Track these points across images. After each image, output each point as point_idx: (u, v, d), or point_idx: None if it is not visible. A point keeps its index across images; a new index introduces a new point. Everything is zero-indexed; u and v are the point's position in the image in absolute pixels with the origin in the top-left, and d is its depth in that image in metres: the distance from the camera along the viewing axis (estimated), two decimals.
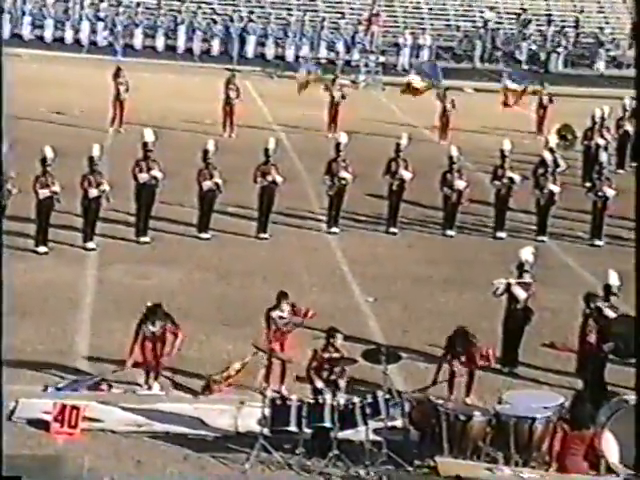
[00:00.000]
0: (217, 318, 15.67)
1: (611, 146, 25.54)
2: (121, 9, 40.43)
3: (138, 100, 27.91)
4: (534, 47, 41.73)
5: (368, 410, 11.76)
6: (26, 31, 39.64)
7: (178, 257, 18.22)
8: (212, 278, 17.52)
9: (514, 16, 43.47)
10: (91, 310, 15.82)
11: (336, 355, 12.40)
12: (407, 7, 43.31)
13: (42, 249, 18.13)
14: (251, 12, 41.48)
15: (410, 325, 15.83)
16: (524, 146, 25.53)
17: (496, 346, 14.21)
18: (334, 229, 20.33)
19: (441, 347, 13.72)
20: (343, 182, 20.28)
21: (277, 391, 13.05)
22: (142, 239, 19.04)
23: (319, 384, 12.27)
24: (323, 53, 40.18)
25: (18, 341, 13.75)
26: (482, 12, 43.07)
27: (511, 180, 20.64)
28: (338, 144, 20.72)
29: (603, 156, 21.97)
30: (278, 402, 11.84)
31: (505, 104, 31.69)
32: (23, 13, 39.86)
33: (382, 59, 39.16)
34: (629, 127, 26.58)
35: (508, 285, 14.43)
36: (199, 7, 41.24)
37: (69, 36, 39.98)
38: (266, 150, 20.01)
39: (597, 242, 20.39)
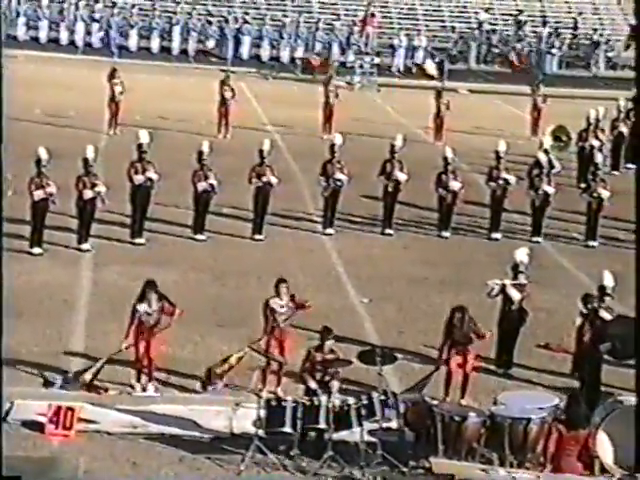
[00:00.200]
0: (212, 319, 15.67)
1: (606, 147, 25.58)
2: (116, 10, 40.42)
3: (133, 101, 27.91)
4: (529, 48, 41.77)
5: (363, 411, 11.76)
6: (21, 32, 39.62)
7: (173, 258, 18.22)
8: (207, 279, 17.52)
9: (509, 17, 43.52)
10: (86, 311, 15.82)
11: (330, 356, 12.40)
12: (402, 8, 43.34)
13: (37, 250, 18.12)
14: (246, 13, 41.49)
15: (405, 326, 15.84)
16: (519, 147, 25.56)
17: (490, 347, 14.25)
18: (329, 230, 20.34)
19: (437, 348, 13.75)
20: (338, 183, 20.30)
21: (273, 392, 13.05)
22: (137, 240, 19.04)
23: (312, 384, 12.27)
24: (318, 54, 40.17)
25: (13, 342, 13.73)
26: (477, 13, 43.12)
27: (506, 181, 20.67)
28: (333, 145, 20.74)
29: (598, 157, 22.01)
30: (273, 403, 11.84)
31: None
32: (18, 14, 39.84)
33: (377, 60, 39.18)
34: (624, 129, 26.63)
35: (503, 286, 14.44)
36: (194, 8, 41.24)
37: (64, 37, 39.97)
38: (261, 151, 20.02)
39: (592, 243, 20.43)
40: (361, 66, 38.59)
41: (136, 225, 19.15)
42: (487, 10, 43.18)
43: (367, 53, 39.64)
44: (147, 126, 22.48)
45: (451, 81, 36.26)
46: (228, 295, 16.81)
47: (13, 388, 12.45)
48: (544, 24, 42.81)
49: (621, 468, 11.54)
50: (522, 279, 14.57)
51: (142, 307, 13.10)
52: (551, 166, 21.51)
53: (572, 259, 19.53)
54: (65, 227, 18.92)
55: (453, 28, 42.69)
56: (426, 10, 43.64)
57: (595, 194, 20.42)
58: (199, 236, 19.50)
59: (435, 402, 12.20)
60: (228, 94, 27.93)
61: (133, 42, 40.06)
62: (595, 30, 42.79)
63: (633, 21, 43.32)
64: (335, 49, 40.27)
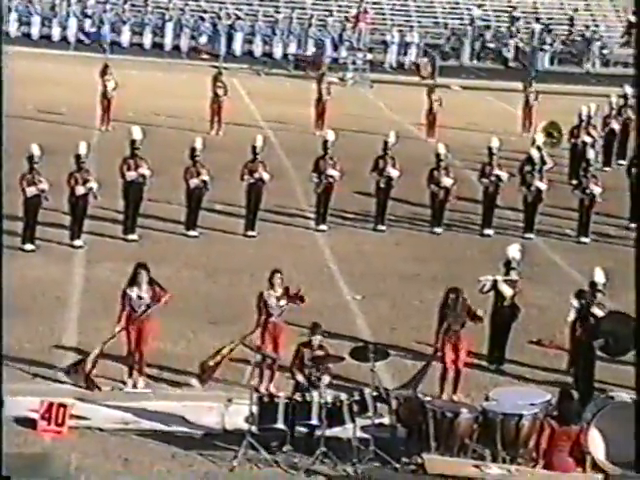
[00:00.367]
0: (205, 316, 15.67)
1: (598, 144, 25.62)
2: (108, 6, 40.36)
3: (125, 97, 27.87)
4: (521, 45, 41.80)
5: (356, 407, 11.78)
6: (12, 28, 39.52)
7: (166, 255, 18.20)
8: (200, 276, 17.51)
9: (501, 13, 43.54)
10: (79, 308, 15.81)
11: (319, 352, 12.40)
12: (394, 4, 43.34)
13: (29, 247, 18.10)
14: (238, 9, 41.45)
15: (398, 322, 15.85)
16: (511, 144, 25.58)
17: (482, 343, 14.27)
18: (322, 226, 20.34)
19: (429, 344, 13.78)
20: (331, 180, 20.30)
21: (265, 389, 13.06)
22: (130, 237, 19.02)
23: (300, 378, 12.27)
24: (310, 51, 40.16)
25: (5, 339, 13.70)
26: (469, 9, 43.14)
27: (498, 178, 20.69)
28: (325, 141, 20.74)
29: (590, 154, 22.05)
30: (265, 400, 11.85)
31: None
32: (9, 10, 39.74)
33: (370, 56, 39.21)
34: (615, 125, 26.67)
35: (495, 282, 14.46)
36: (186, 4, 41.20)
37: (56, 33, 39.90)
38: (254, 147, 20.01)
39: (584, 239, 20.46)
40: (354, 62, 38.59)
41: (129, 221, 19.14)
42: (479, 6, 43.20)
43: (360, 49, 39.65)
44: (139, 122, 22.46)
45: (443, 77, 36.28)
46: (221, 292, 16.81)
47: (5, 385, 12.43)
48: (537, 20, 42.85)
49: (613, 464, 11.57)
50: (514, 275, 14.60)
51: (133, 291, 13.10)
52: (543, 162, 21.53)
53: (564, 255, 19.56)
54: (57, 223, 18.89)
55: (445, 24, 42.72)
56: (418, 6, 43.65)
57: (587, 190, 20.45)
58: (191, 232, 19.49)
59: (427, 398, 12.21)
60: (221, 90, 27.90)
61: (125, 38, 40.01)
62: (587, 27, 42.82)
63: (625, 17, 43.42)
64: (328, 45, 40.26)
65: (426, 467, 11.45)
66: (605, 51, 41.71)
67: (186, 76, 35.26)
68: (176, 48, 40.20)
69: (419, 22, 42.90)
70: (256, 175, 19.76)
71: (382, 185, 20.54)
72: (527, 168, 21.07)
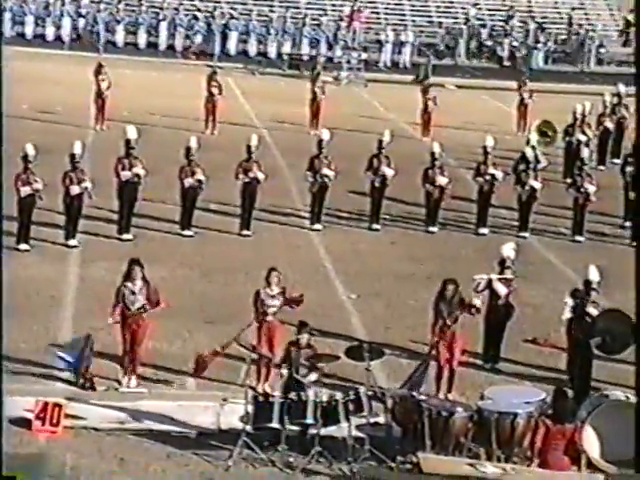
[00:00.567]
0: (200, 315, 15.67)
1: (592, 142, 25.65)
2: (102, 5, 40.31)
3: (120, 97, 27.86)
4: (516, 43, 41.83)
5: (351, 406, 11.78)
6: (6, 28, 39.45)
7: (161, 254, 18.19)
8: (195, 275, 17.51)
9: (496, 12, 43.57)
10: (73, 308, 15.80)
11: (307, 350, 12.42)
12: (389, 3, 43.34)
13: (24, 247, 18.09)
14: (233, 9, 41.43)
15: (393, 322, 15.86)
16: (506, 142, 25.59)
17: (477, 341, 14.28)
18: (317, 226, 20.35)
19: (424, 344, 13.79)
20: (325, 179, 20.31)
21: (260, 388, 13.06)
22: (124, 236, 19.01)
23: (284, 372, 12.33)
24: (305, 50, 40.17)
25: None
26: (464, 8, 43.16)
27: (493, 177, 20.71)
28: (320, 141, 20.75)
29: (584, 152, 22.06)
30: (261, 399, 11.85)
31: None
32: (3, 10, 39.66)
33: (364, 56, 39.20)
34: (609, 124, 26.69)
35: (489, 281, 14.48)
36: (181, 4, 41.16)
37: (50, 33, 39.86)
38: (248, 147, 20.01)
39: (578, 238, 20.48)
40: (348, 61, 38.60)
41: (123, 221, 19.13)
42: (475, 5, 43.22)
43: (354, 48, 39.65)
44: (134, 122, 22.43)
45: (438, 76, 36.27)
46: (216, 291, 16.81)
47: (2, 387, 12.43)
48: (532, 19, 42.86)
49: (607, 462, 11.60)
50: (509, 274, 14.61)
51: (127, 287, 13.13)
52: (537, 161, 21.56)
53: (559, 254, 19.59)
54: (52, 223, 18.88)
55: (440, 23, 42.73)
56: (413, 5, 43.66)
57: (581, 189, 20.48)
58: (186, 232, 19.49)
59: (423, 397, 12.21)
60: (215, 90, 27.89)
61: (120, 37, 39.97)
62: (580, 25, 42.87)
63: (620, 16, 43.46)
64: (322, 45, 40.25)
65: (421, 466, 11.45)
66: (602, 50, 41.72)
67: (181, 75, 35.24)
68: (170, 47, 40.17)
69: (413, 21, 42.91)
70: (251, 174, 19.76)
71: (377, 184, 20.55)
72: (521, 167, 21.09)
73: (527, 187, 20.56)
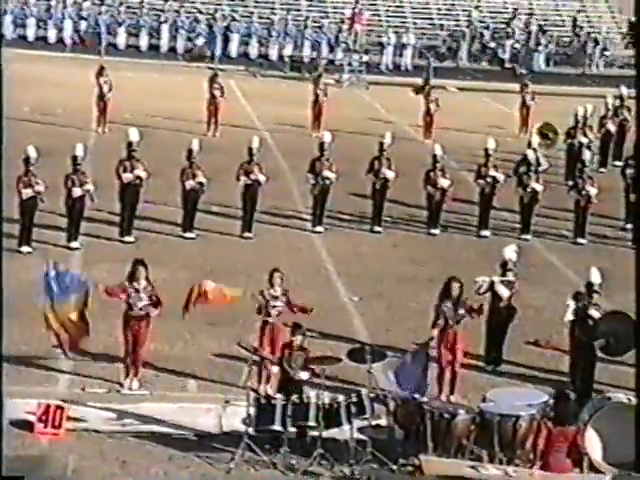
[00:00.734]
0: (202, 317, 15.62)
1: (594, 145, 25.64)
2: (104, 8, 40.34)
3: (122, 99, 27.87)
4: (517, 46, 41.84)
5: (353, 409, 11.78)
6: (8, 30, 39.49)
7: (162, 257, 18.19)
8: (196, 277, 17.36)
9: (497, 14, 43.58)
10: None
11: (299, 352, 12.42)
12: (390, 6, 43.36)
13: (26, 249, 18.09)
14: (234, 11, 41.46)
15: (394, 324, 15.85)
16: (508, 145, 25.60)
17: (479, 344, 14.27)
18: (318, 228, 20.35)
19: None
20: (327, 181, 20.31)
21: (262, 390, 13.06)
22: (126, 239, 19.01)
23: (274, 369, 12.43)
24: (307, 52, 40.19)
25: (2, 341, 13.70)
26: (465, 10, 43.16)
27: (495, 179, 20.70)
28: (322, 143, 20.75)
29: (586, 154, 22.05)
30: (263, 401, 11.85)
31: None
32: (5, 12, 39.71)
33: (366, 58, 39.21)
34: (611, 126, 26.68)
35: (491, 283, 14.47)
36: (182, 6, 41.19)
37: (52, 35, 39.88)
38: (250, 149, 20.02)
39: (580, 240, 20.48)
40: (350, 64, 38.61)
41: (125, 223, 19.14)
42: (477, 7, 43.24)
43: (356, 51, 39.66)
44: (136, 124, 22.46)
45: (440, 79, 36.27)
46: None
47: (2, 387, 12.42)
48: (534, 20, 42.85)
49: (610, 465, 11.58)
50: (511, 276, 14.61)
51: (132, 287, 13.17)
52: (538, 164, 21.56)
53: (561, 256, 19.58)
54: (54, 225, 18.88)
55: (441, 26, 42.74)
56: (414, 8, 43.67)
57: (582, 191, 20.47)
58: (188, 234, 19.49)
59: (425, 399, 12.21)
60: (217, 92, 27.91)
61: (121, 40, 39.99)
62: (581, 27, 42.87)
63: (620, 18, 43.46)
64: (324, 47, 40.26)
65: (423, 468, 11.45)
66: (607, 53, 41.69)
67: (182, 78, 35.25)
68: (172, 50, 40.19)
69: (415, 23, 42.92)
70: (252, 176, 19.77)
71: (378, 186, 20.56)
72: (523, 169, 21.09)
73: (529, 189, 20.55)
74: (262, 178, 19.83)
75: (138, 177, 19.19)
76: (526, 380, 14.03)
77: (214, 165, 21.18)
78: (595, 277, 13.90)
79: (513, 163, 22.31)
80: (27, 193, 18.10)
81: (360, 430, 11.83)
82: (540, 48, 41.63)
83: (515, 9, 43.07)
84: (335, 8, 42.73)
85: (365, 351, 12.36)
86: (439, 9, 43.74)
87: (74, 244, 18.48)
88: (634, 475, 11.33)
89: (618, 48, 42.05)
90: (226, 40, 40.23)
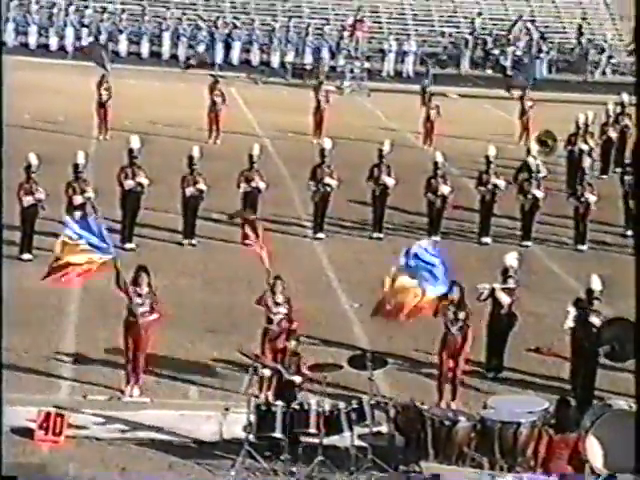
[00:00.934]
0: (202, 325, 15.66)
1: (595, 152, 25.63)
2: (105, 15, 40.40)
3: (123, 107, 27.89)
4: (519, 53, 41.87)
5: (354, 416, 11.77)
6: (10, 38, 39.55)
7: (163, 264, 18.18)
8: (197, 284, 17.50)
9: (499, 22, 43.62)
10: (76, 317, 15.80)
11: (293, 358, 12.41)
12: (392, 13, 43.40)
13: (27, 256, 18.10)
14: (236, 18, 41.50)
15: (395, 331, 15.83)
16: (509, 152, 25.60)
17: (480, 351, 14.26)
18: (319, 235, 20.35)
19: (427, 352, 13.77)
20: (328, 188, 20.32)
21: (263, 398, 13.06)
22: (127, 246, 19.01)
23: (266, 372, 12.48)
24: (308, 59, 40.22)
25: (3, 348, 13.69)
26: (467, 18, 43.20)
27: (496, 186, 20.70)
28: (323, 150, 20.76)
29: (586, 161, 22.05)
30: (263, 408, 11.84)
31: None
32: (7, 20, 39.77)
33: (367, 65, 39.23)
34: (613, 133, 26.68)
35: (492, 290, 14.47)
36: (184, 13, 41.24)
37: (53, 43, 39.92)
38: (250, 156, 20.03)
39: (581, 247, 20.47)
40: (351, 71, 38.62)
41: (126, 230, 19.14)
42: (479, 14, 43.28)
43: (357, 58, 39.69)
44: (137, 131, 22.48)
45: (440, 85, 36.28)
46: (218, 300, 16.80)
47: (3, 394, 12.42)
48: (535, 28, 42.87)
49: (611, 472, 11.56)
50: (511, 283, 14.61)
51: (134, 292, 13.18)
52: (539, 171, 21.55)
53: (561, 263, 19.57)
54: (55, 233, 18.83)
55: (443, 33, 42.77)
56: (416, 15, 43.71)
57: (582, 198, 20.47)
58: (189, 241, 19.48)
59: (425, 407, 12.20)
60: (218, 99, 27.93)
61: (123, 47, 40.04)
62: (582, 33, 42.89)
63: (620, 25, 43.48)
64: (325, 54, 40.30)
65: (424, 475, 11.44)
66: (613, 60, 41.69)
67: (184, 85, 35.28)
68: (173, 57, 40.23)
69: (416, 30, 42.95)
70: (252, 183, 19.78)
71: (378, 193, 20.57)
72: (524, 176, 21.09)
73: (530, 196, 20.55)
74: (262, 185, 19.84)
75: (139, 184, 19.20)
76: (527, 387, 14.03)
77: (215, 172, 21.20)
78: (595, 284, 13.90)
79: (514, 170, 22.31)
80: (28, 200, 18.11)
81: (361, 437, 11.83)
82: (542, 55, 41.65)
83: (520, 16, 43.11)
84: (337, 15, 42.77)
85: (366, 358, 12.36)
86: (441, 16, 43.77)
87: None
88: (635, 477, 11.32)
89: (620, 55, 42.06)
90: (227, 47, 40.27)
